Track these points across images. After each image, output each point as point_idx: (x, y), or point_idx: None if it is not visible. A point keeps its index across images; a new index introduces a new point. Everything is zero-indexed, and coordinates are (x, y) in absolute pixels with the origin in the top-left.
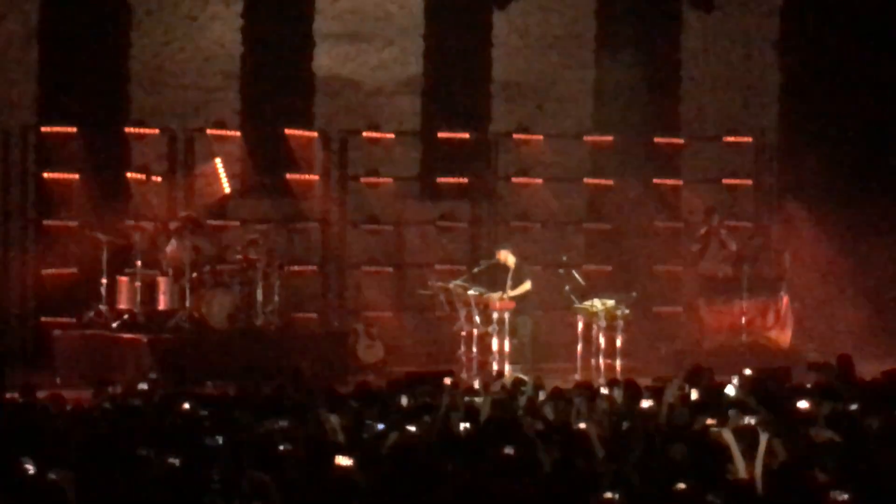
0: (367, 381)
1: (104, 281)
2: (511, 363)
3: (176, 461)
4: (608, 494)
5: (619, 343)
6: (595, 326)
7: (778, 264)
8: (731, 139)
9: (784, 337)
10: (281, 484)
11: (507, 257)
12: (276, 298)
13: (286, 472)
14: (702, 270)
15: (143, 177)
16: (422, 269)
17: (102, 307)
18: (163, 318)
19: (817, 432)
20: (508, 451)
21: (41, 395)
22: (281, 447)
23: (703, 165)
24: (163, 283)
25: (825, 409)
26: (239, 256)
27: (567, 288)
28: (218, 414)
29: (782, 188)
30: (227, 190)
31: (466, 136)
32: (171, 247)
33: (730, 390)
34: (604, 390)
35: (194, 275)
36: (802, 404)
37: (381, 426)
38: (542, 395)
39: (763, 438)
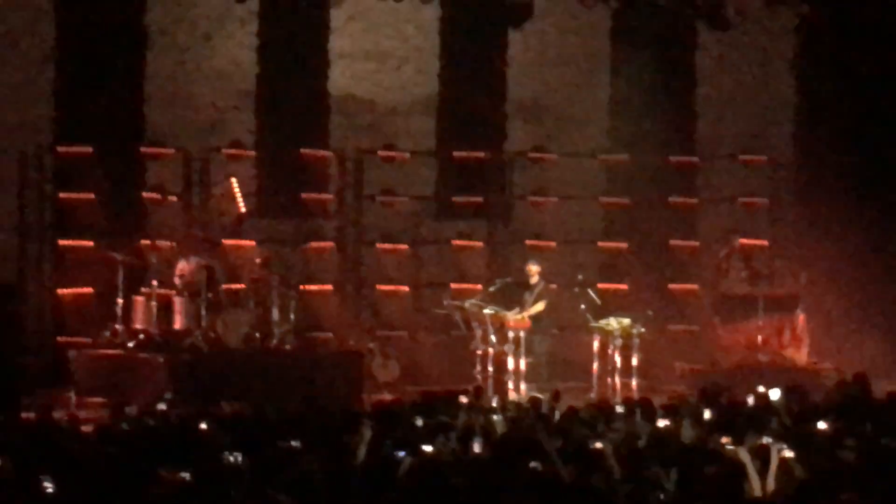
0: (383, 401)
1: (120, 300)
2: (527, 382)
3: (192, 481)
4: None
5: (634, 362)
6: (611, 345)
7: (794, 283)
8: (746, 158)
9: (800, 356)
10: None
11: (536, 273)
12: (292, 318)
13: (304, 493)
14: (724, 290)
15: (159, 196)
16: (437, 289)
17: (118, 327)
18: (179, 337)
19: (846, 455)
20: (533, 465)
21: (57, 415)
22: (299, 467)
23: (718, 184)
24: (178, 302)
25: (843, 427)
26: (254, 276)
27: (583, 306)
28: (235, 434)
29: (798, 207)
30: (243, 209)
31: (482, 155)
32: (183, 266)
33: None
34: (619, 409)
35: (210, 294)
36: (822, 424)
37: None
38: (557, 414)
39: (774, 455)
